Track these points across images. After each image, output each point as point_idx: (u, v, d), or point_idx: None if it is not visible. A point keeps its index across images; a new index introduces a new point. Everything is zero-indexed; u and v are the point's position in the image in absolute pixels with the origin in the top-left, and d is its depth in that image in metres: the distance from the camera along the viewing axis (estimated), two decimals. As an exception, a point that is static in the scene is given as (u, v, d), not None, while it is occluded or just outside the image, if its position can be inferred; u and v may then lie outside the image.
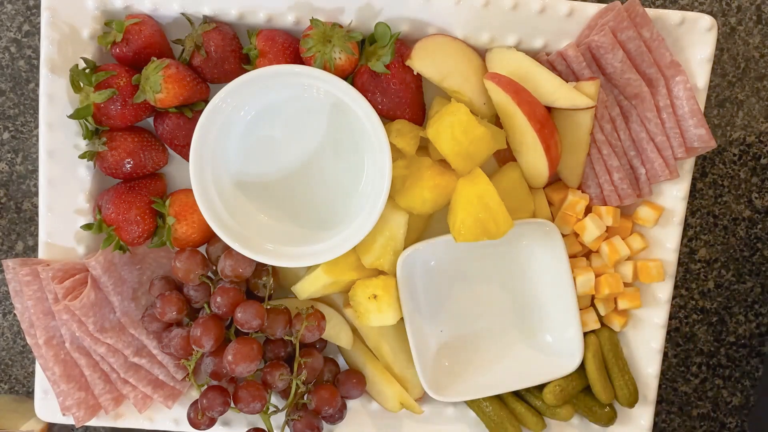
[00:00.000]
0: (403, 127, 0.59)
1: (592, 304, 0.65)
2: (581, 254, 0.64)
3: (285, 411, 0.61)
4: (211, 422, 0.60)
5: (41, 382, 0.63)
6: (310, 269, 0.61)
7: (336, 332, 0.63)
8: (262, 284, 0.60)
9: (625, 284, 0.63)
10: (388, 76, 0.57)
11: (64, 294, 0.59)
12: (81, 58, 0.58)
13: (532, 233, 0.62)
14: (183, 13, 0.58)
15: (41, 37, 0.58)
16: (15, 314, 0.70)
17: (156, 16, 0.59)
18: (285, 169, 0.60)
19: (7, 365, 0.71)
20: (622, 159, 0.61)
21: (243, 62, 0.58)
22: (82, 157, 0.58)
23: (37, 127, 0.67)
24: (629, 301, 0.63)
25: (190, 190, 0.57)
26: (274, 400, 0.63)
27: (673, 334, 0.71)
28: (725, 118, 0.68)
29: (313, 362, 0.61)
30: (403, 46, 0.59)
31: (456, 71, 0.59)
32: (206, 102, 0.56)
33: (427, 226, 0.63)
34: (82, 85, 0.56)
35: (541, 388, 0.64)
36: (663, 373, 0.71)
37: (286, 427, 0.62)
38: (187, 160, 0.56)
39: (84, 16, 0.58)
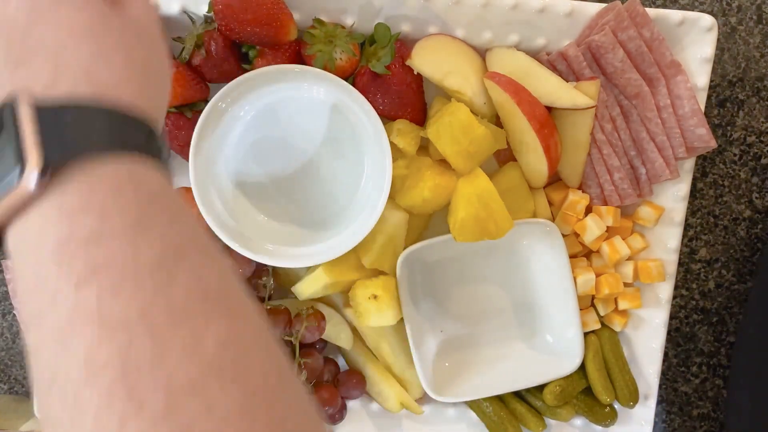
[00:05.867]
0: (404, 126, 0.59)
1: (592, 304, 0.64)
2: (581, 254, 0.64)
3: (285, 411, 0.61)
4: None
5: (41, 382, 0.62)
6: (310, 269, 0.61)
7: (336, 332, 0.63)
8: (262, 284, 0.60)
9: (626, 284, 0.63)
10: (388, 76, 0.57)
11: (63, 294, 0.58)
12: (81, 57, 0.58)
13: (532, 233, 0.62)
14: (185, 11, 0.58)
15: (41, 36, 0.58)
16: (15, 314, 0.70)
17: (156, 16, 0.59)
18: (285, 169, 0.60)
19: (6, 365, 0.71)
20: (622, 159, 0.61)
21: (243, 62, 0.58)
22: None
23: (36, 127, 0.67)
24: (629, 301, 0.63)
25: (189, 188, 0.57)
26: (274, 400, 0.63)
27: (673, 334, 0.71)
28: (725, 118, 0.68)
29: (313, 362, 0.61)
30: (404, 46, 0.59)
31: (456, 71, 0.59)
32: (206, 102, 0.56)
33: (427, 226, 0.63)
34: (81, 84, 0.56)
35: (541, 388, 0.64)
36: (663, 373, 0.71)
37: (286, 427, 0.61)
38: (187, 160, 0.56)
39: (84, 16, 0.58)
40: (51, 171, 0.28)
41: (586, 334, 0.63)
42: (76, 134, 0.29)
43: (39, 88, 0.30)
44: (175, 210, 0.30)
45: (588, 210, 0.62)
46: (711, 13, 0.66)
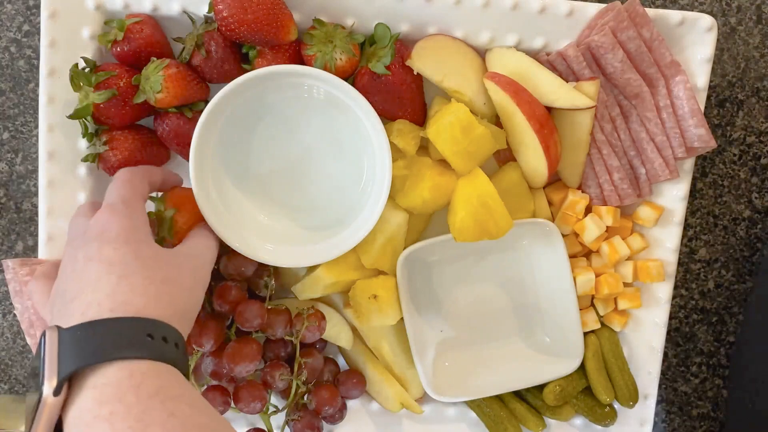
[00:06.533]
0: (404, 127, 0.59)
1: (592, 304, 0.65)
2: (581, 254, 0.64)
3: (285, 411, 0.61)
4: (211, 422, 0.60)
5: (41, 382, 0.63)
6: (310, 269, 0.61)
7: (336, 332, 0.63)
8: (263, 284, 0.60)
9: (625, 284, 0.63)
10: (388, 76, 0.57)
11: (64, 294, 0.59)
12: (81, 57, 0.58)
13: (532, 233, 0.62)
14: (185, 11, 0.58)
15: (41, 36, 0.58)
16: (15, 314, 0.70)
17: (156, 16, 0.59)
18: (285, 169, 0.60)
19: (7, 365, 0.71)
20: (622, 159, 0.61)
21: (243, 62, 0.58)
22: (84, 160, 0.59)
23: (36, 127, 0.67)
24: (629, 301, 0.63)
25: (189, 188, 0.57)
26: (274, 400, 0.63)
27: (673, 333, 0.71)
28: (725, 118, 0.68)
29: (313, 362, 0.61)
30: (403, 46, 0.59)
31: (456, 71, 0.59)
32: (206, 102, 0.56)
33: (427, 226, 0.63)
34: (81, 84, 0.56)
35: (541, 388, 0.64)
36: (663, 373, 0.71)
37: (286, 427, 0.62)
38: (187, 160, 0.56)
39: (84, 16, 0.58)
40: (67, 384, 0.38)
41: (585, 334, 0.63)
42: (88, 346, 0.39)
43: (78, 317, 0.40)
44: (174, 402, 0.39)
45: (588, 210, 0.62)
46: (711, 13, 0.66)
